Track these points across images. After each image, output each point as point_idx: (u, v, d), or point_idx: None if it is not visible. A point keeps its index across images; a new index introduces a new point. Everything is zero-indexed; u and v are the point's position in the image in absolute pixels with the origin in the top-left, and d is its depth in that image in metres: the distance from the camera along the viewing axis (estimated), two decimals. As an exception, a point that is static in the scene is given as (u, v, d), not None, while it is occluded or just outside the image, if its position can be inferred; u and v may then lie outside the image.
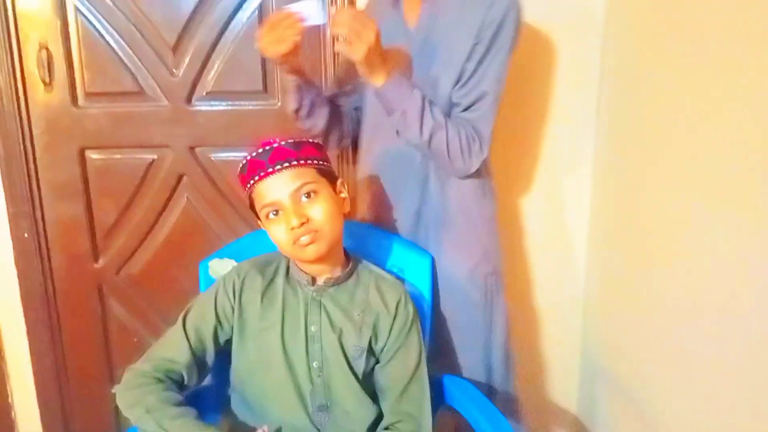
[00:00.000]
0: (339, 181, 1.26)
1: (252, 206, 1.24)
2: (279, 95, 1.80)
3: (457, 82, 1.35)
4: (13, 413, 2.07)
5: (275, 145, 1.19)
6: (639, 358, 1.53)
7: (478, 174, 1.41)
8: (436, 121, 1.31)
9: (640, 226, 1.52)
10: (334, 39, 1.39)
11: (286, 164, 1.17)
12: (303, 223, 1.16)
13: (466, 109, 1.35)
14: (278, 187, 1.17)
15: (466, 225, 1.46)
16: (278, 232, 1.19)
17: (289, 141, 1.19)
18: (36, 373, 2.02)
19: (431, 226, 1.46)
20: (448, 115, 1.35)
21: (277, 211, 1.18)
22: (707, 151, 1.20)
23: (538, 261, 1.90)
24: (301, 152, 1.19)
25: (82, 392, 2.04)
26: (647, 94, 1.48)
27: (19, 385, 2.04)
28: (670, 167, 1.35)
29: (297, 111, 1.47)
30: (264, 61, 1.78)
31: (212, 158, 1.87)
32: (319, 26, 1.39)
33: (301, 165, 1.18)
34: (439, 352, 1.48)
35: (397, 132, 1.35)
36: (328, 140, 1.55)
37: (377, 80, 1.29)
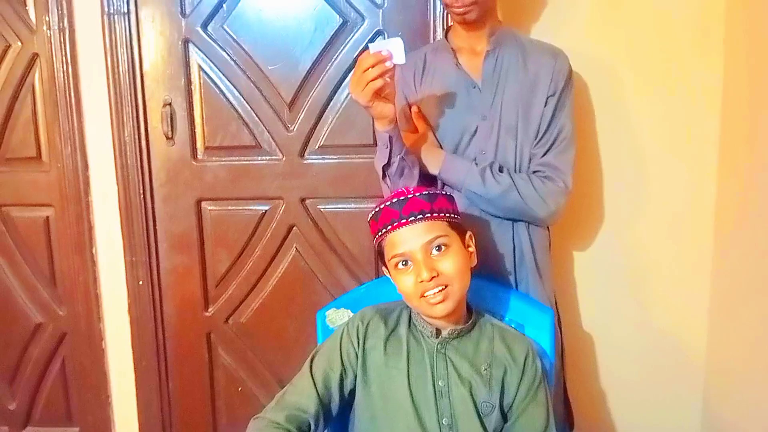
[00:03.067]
0: (468, 235, 1.25)
1: (380, 253, 1.24)
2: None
3: (537, 132, 1.41)
4: None
5: (410, 196, 1.19)
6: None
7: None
8: (502, 183, 1.38)
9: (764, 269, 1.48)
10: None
11: (420, 216, 1.17)
12: (433, 277, 1.15)
13: (545, 154, 1.41)
14: (410, 239, 1.17)
15: (544, 270, 1.49)
16: (406, 283, 1.18)
17: (423, 192, 1.20)
18: (141, 420, 2.05)
19: (521, 275, 1.47)
20: (527, 165, 1.42)
21: (407, 261, 1.18)
22: None
23: (657, 314, 1.84)
24: (434, 204, 1.19)
25: (185, 440, 2.06)
26: None
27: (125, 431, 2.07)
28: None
29: (386, 168, 1.41)
30: (374, 117, 1.83)
31: (321, 210, 1.90)
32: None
33: (434, 218, 1.18)
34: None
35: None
36: None
37: (433, 169, 1.42)
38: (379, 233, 1.21)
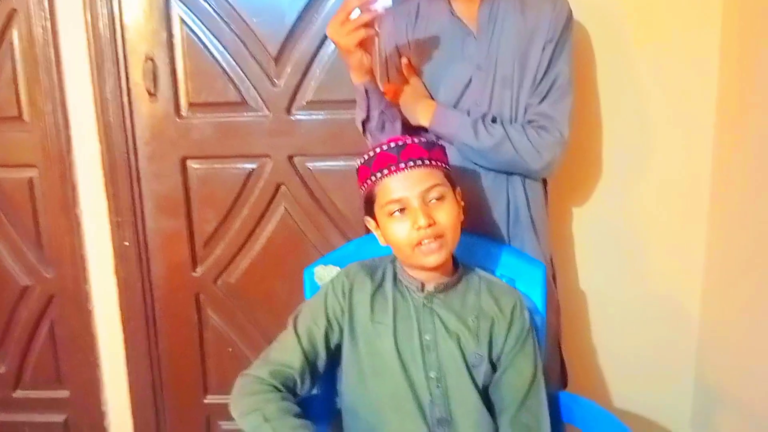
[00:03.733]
0: (458, 189, 1.23)
1: (368, 201, 1.20)
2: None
3: (534, 81, 1.36)
4: (106, 421, 2.09)
5: (408, 142, 1.16)
6: (761, 374, 1.46)
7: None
8: (495, 135, 1.34)
9: (763, 235, 1.46)
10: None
11: (419, 162, 1.14)
12: (430, 225, 1.12)
13: (540, 102, 1.36)
14: (408, 186, 1.14)
15: (540, 226, 1.47)
16: (400, 231, 1.15)
17: (422, 140, 1.17)
18: (131, 382, 2.04)
19: (515, 232, 1.45)
20: (523, 116, 1.38)
21: (403, 209, 1.15)
22: None
23: (653, 274, 1.83)
24: (432, 153, 1.17)
25: (175, 401, 2.05)
26: None
27: (114, 394, 2.07)
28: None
29: (365, 123, 1.39)
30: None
31: (310, 168, 1.87)
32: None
33: (433, 166, 1.16)
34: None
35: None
36: None
37: (423, 121, 1.38)
38: (372, 178, 1.17)
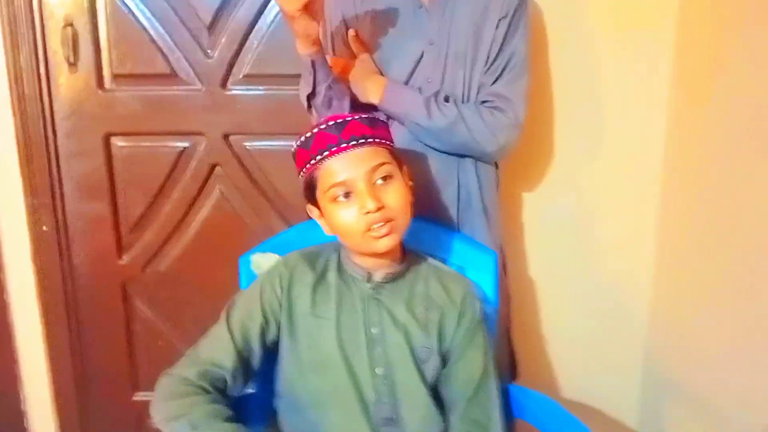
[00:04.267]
0: (405, 168, 1.14)
1: (308, 187, 1.11)
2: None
3: (487, 59, 1.32)
4: (26, 421, 1.97)
5: (349, 119, 1.06)
6: (708, 366, 1.46)
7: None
8: (448, 115, 1.29)
9: (714, 221, 1.45)
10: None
11: (362, 140, 1.05)
12: (379, 208, 1.03)
13: (494, 82, 1.32)
14: (352, 166, 1.04)
15: (492, 212, 1.42)
16: (347, 217, 1.06)
17: (363, 117, 1.08)
18: (53, 378, 1.92)
19: (465, 216, 1.40)
20: (476, 95, 1.33)
21: (348, 193, 1.05)
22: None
23: (604, 261, 1.79)
24: (376, 130, 1.08)
25: (102, 399, 1.94)
26: (721, 95, 1.42)
27: (34, 391, 1.95)
28: (743, 163, 1.31)
29: (311, 98, 1.31)
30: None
31: (248, 147, 1.76)
32: None
33: (377, 144, 1.07)
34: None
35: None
36: None
37: (373, 99, 1.32)
38: (312, 161, 1.07)
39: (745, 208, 1.32)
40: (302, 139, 1.09)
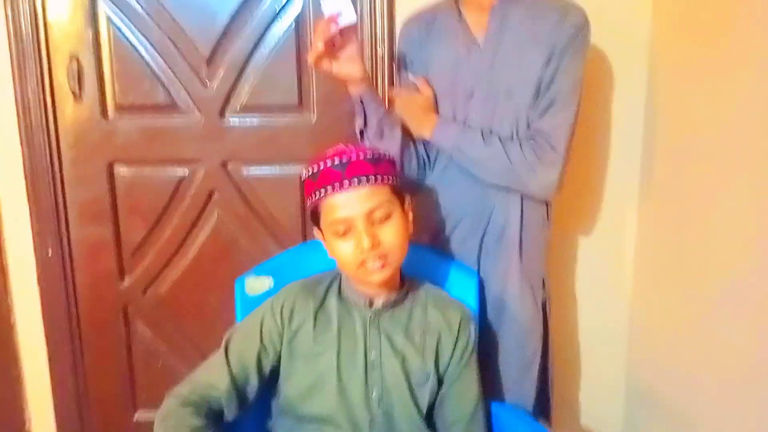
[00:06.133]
0: (407, 200, 1.19)
1: (314, 215, 1.16)
2: (315, 109, 1.74)
3: (535, 95, 1.31)
4: None
5: (353, 158, 1.11)
6: (688, 383, 1.47)
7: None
8: (492, 147, 1.30)
9: (690, 246, 1.47)
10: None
11: (365, 180, 1.10)
12: (374, 246, 1.09)
13: (540, 117, 1.31)
14: (353, 205, 1.10)
15: (529, 247, 1.40)
16: (345, 250, 1.11)
17: (367, 155, 1.12)
18: (56, 398, 1.94)
19: (493, 247, 1.40)
20: (526, 130, 1.33)
21: (347, 229, 1.10)
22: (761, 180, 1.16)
23: (583, 284, 1.83)
24: (378, 168, 1.12)
25: (103, 418, 1.97)
26: (697, 116, 1.44)
27: (38, 411, 1.97)
28: (718, 189, 1.34)
29: (363, 130, 1.35)
30: (300, 75, 1.73)
31: (244, 174, 1.80)
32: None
33: (378, 183, 1.11)
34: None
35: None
36: (402, 165, 1.41)
37: (425, 134, 1.35)
38: (317, 194, 1.12)
39: (720, 224, 1.33)
40: (311, 171, 1.13)
